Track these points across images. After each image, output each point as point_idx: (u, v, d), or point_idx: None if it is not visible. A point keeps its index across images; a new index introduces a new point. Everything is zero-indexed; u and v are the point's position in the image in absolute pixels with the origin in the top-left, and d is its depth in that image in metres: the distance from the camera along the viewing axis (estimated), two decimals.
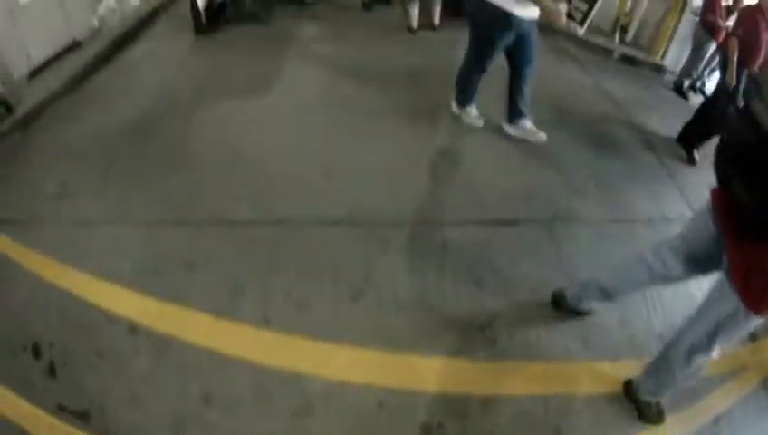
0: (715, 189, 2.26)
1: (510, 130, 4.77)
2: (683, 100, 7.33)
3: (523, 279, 3.23)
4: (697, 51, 7.41)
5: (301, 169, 4.22)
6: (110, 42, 7.69)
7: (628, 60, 7.89)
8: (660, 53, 8.16)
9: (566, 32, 7.43)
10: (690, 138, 5.43)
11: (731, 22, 6.96)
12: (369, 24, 7.54)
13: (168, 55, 6.83)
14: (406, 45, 6.71)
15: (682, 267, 2.46)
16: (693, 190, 4.65)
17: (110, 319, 2.92)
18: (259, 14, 7.32)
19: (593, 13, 7.58)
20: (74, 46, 8.13)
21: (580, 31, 7.37)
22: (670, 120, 5.93)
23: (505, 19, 3.98)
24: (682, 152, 5.37)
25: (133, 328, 2.87)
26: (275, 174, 4.15)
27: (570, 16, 7.56)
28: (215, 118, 5.04)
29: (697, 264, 2.40)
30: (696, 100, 7.11)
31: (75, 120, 5.58)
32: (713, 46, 7.23)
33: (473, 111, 4.90)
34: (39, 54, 7.41)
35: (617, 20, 8.12)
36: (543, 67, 5.79)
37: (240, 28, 7.22)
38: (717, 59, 7.40)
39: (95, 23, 8.94)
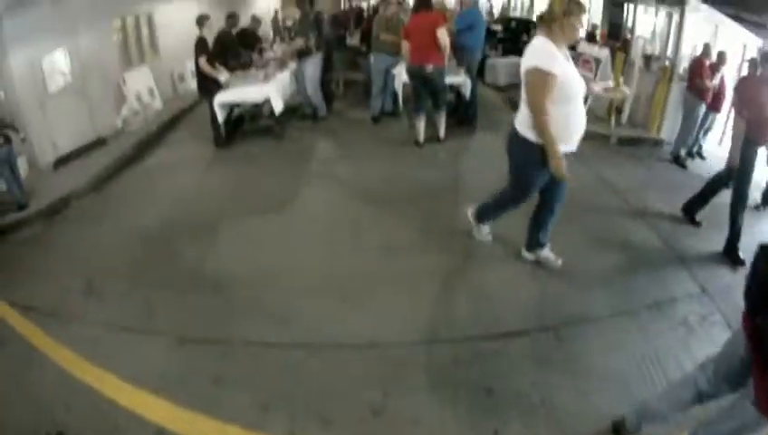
0: (745, 314, 2.30)
1: (527, 255, 4.63)
2: (682, 169, 7.42)
3: (532, 388, 3.24)
4: (689, 117, 7.56)
5: (319, 291, 4.30)
6: (134, 144, 8.24)
7: (625, 142, 8.13)
8: (656, 127, 8.34)
9: None
10: (692, 208, 5.51)
11: (717, 80, 7.31)
12: (379, 138, 7.66)
13: (188, 164, 7.15)
14: (414, 159, 6.77)
15: (726, 386, 2.53)
16: (699, 264, 4.72)
17: (139, 423, 2.99)
18: (274, 129, 7.59)
19: (589, 102, 7.99)
20: (99, 142, 8.66)
21: None
22: (670, 194, 5.99)
23: (542, 156, 3.73)
24: (686, 224, 5.44)
25: (161, 434, 2.93)
26: (295, 295, 4.25)
27: None
28: (234, 235, 5.23)
29: (734, 382, 2.46)
30: (695, 165, 7.28)
31: (99, 218, 5.88)
32: (703, 109, 7.45)
33: (485, 228, 4.87)
34: (65, 145, 7.85)
35: (611, 104, 8.42)
36: None
37: (257, 142, 7.56)
38: (709, 120, 7.75)
39: (119, 123, 9.59)
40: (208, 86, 7.20)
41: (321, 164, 6.80)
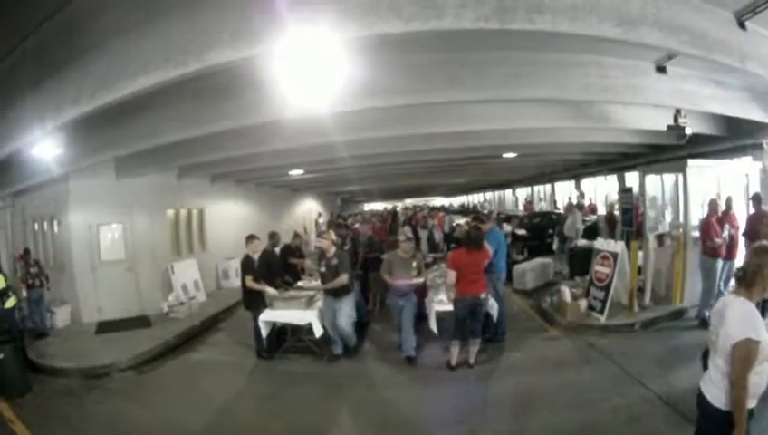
0: None
1: None
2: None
3: None
4: (708, 277, 7.52)
5: None
6: (178, 334, 8.61)
7: (649, 323, 8.28)
8: (679, 297, 8.46)
9: (589, 325, 7.91)
10: None
11: (726, 232, 7.39)
12: (414, 357, 7.20)
13: (230, 370, 7.27)
14: (447, 384, 6.46)
15: None
16: None
17: None
18: (313, 347, 7.56)
19: (611, 296, 8.33)
20: (143, 321, 9.19)
21: (602, 319, 7.97)
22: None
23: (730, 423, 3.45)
24: None
25: None
26: None
27: (590, 308, 8.24)
28: None
29: None
30: None
31: (137, 400, 6.12)
32: (720, 264, 7.46)
33: None
34: (109, 312, 8.39)
35: (632, 291, 8.64)
36: (572, 379, 6.03)
37: (298, 360, 7.50)
38: (727, 269, 7.63)
39: (164, 308, 10.24)
40: (255, 301, 7.56)
41: (359, 393, 6.41)
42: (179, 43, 3.78)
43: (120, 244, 10.08)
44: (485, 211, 14.34)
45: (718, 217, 7.61)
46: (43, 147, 6.01)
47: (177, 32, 3.80)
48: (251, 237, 7.57)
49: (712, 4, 4.40)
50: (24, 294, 9.06)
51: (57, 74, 4.74)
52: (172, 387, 6.74)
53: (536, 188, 29.17)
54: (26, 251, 10.08)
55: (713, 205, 7.68)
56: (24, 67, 4.86)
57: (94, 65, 4.41)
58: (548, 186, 26.73)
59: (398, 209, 32.41)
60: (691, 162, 8.40)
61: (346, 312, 7.26)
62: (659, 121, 7.69)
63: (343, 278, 7.06)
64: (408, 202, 50.45)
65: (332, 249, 7.36)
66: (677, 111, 7.10)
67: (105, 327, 6.68)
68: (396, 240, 9.11)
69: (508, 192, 35.22)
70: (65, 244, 9.49)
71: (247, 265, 7.41)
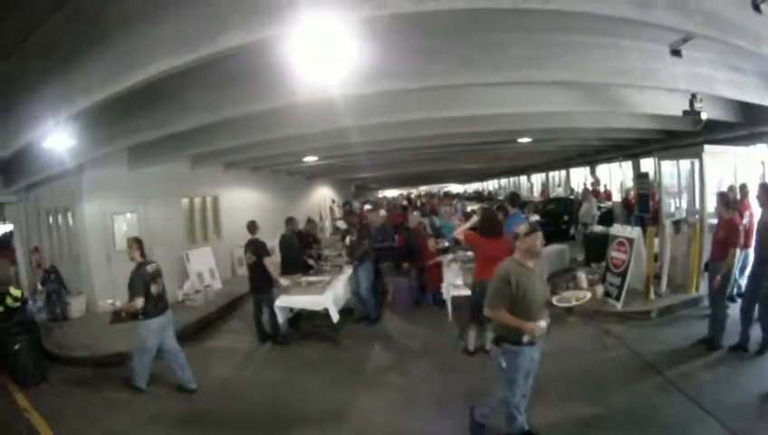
0: None
1: None
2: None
3: None
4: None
5: None
6: (194, 322, 8.77)
7: (665, 310, 8.18)
8: (695, 285, 8.34)
9: (605, 311, 7.87)
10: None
11: (746, 219, 7.29)
12: (430, 343, 7.40)
13: (245, 357, 7.34)
14: (463, 370, 6.39)
15: None
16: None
17: None
18: (328, 333, 7.63)
19: (627, 283, 8.22)
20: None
21: (618, 306, 7.92)
22: (715, 358, 5.98)
23: None
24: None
25: None
26: None
27: (607, 294, 8.15)
28: None
29: None
30: (735, 307, 6.76)
31: (151, 389, 6.11)
32: (737, 253, 6.93)
33: None
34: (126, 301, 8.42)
35: (648, 278, 8.54)
36: (589, 366, 6.03)
37: (313, 345, 7.58)
38: (743, 258, 7.42)
39: (179, 296, 10.33)
40: (262, 285, 7.68)
41: (374, 375, 6.51)
42: (191, 27, 3.76)
43: (134, 233, 10.10)
44: (499, 197, 14.19)
45: (736, 206, 7.28)
46: (56, 139, 5.99)
47: (189, 16, 3.77)
48: (252, 224, 7.85)
49: None
50: (40, 287, 9.53)
51: (67, 65, 4.75)
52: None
53: (551, 174, 28.89)
54: (36, 249, 10.61)
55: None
56: (35, 59, 4.89)
57: (105, 54, 4.41)
58: (563, 172, 26.45)
59: (412, 196, 32.44)
60: (708, 148, 8.25)
61: (363, 278, 8.04)
62: (675, 107, 7.55)
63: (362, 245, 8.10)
64: (423, 189, 50.28)
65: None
66: (693, 96, 6.94)
67: (119, 317, 6.77)
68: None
69: (523, 178, 34.88)
70: (80, 235, 9.57)
71: (264, 247, 7.59)
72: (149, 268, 5.95)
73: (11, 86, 5.52)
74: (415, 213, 10.53)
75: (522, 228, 4.26)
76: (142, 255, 6.05)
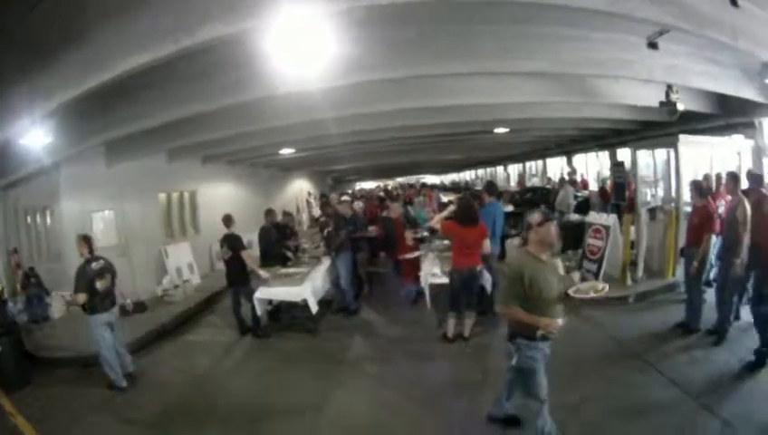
0: None
1: None
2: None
3: None
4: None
5: None
6: (174, 317, 8.75)
7: (642, 296, 8.35)
8: (671, 271, 8.51)
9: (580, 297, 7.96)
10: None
11: (721, 208, 7.31)
12: (409, 332, 7.48)
13: (226, 350, 7.36)
14: (443, 357, 6.54)
15: None
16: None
17: None
18: (308, 324, 7.70)
19: (603, 269, 8.38)
20: (139, 306, 9.10)
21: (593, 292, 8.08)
22: (692, 341, 6.21)
23: None
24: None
25: None
26: None
27: (583, 280, 8.30)
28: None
29: None
30: (709, 294, 6.93)
31: (136, 385, 6.15)
32: (713, 239, 7.01)
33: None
34: None
35: (624, 264, 8.70)
36: (568, 351, 5.61)
37: (292, 337, 7.64)
38: (718, 245, 7.32)
39: (159, 292, 10.25)
40: (239, 278, 7.70)
41: (353, 366, 6.57)
42: (170, 20, 3.75)
43: (111, 230, 10.03)
44: (476, 188, 14.32)
45: (712, 194, 7.56)
46: (33, 136, 5.94)
47: (169, 8, 3.77)
48: (228, 218, 7.82)
49: None
50: (20, 289, 9.34)
51: (46, 60, 4.69)
52: (169, 370, 6.78)
53: (528, 164, 29.16)
54: (15, 250, 10.37)
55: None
56: (12, 55, 4.79)
57: (83, 48, 4.37)
58: (540, 162, 26.72)
59: (389, 187, 32.43)
60: (683, 137, 8.40)
61: (342, 267, 8.12)
62: (651, 98, 7.67)
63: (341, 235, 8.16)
64: (400, 180, 50.34)
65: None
66: (669, 87, 7.03)
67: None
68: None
69: (500, 169, 35.16)
70: (59, 233, 9.39)
71: (240, 241, 7.61)
72: (95, 265, 6.07)
73: None
74: (395, 204, 10.56)
75: (535, 218, 3.95)
76: (90, 251, 6.17)
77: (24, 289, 9.21)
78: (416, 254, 8.22)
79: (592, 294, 4.22)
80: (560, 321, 3.84)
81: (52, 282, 9.40)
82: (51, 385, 6.40)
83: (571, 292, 4.15)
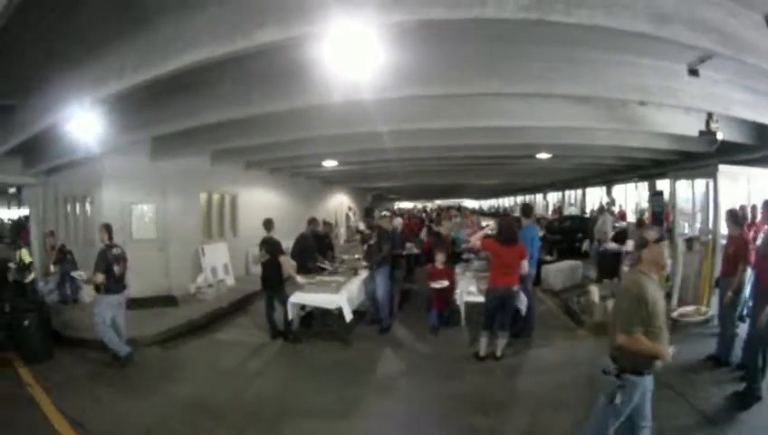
0: None
1: None
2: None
3: None
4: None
5: None
6: (205, 314, 8.92)
7: (675, 327, 8.09)
8: (706, 303, 8.26)
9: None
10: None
11: (759, 241, 6.89)
12: (440, 349, 7.42)
13: (255, 352, 7.40)
14: (475, 376, 6.43)
15: None
16: None
17: None
18: (340, 333, 7.69)
19: None
20: (171, 300, 9.60)
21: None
22: (721, 375, 6.02)
23: None
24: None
25: None
26: None
27: None
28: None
29: None
30: (743, 329, 6.57)
31: (157, 374, 6.39)
32: (749, 272, 6.66)
33: None
34: (137, 290, 8.41)
35: None
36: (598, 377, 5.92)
37: (323, 346, 7.62)
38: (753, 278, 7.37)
39: (192, 289, 10.54)
40: (275, 282, 7.84)
41: (384, 380, 6.52)
42: (228, 20, 3.93)
43: (151, 224, 10.39)
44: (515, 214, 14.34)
45: (748, 224, 7.42)
46: (81, 123, 6.17)
47: (227, 9, 3.95)
48: (269, 221, 8.02)
49: (741, 5, 4.33)
50: (53, 269, 9.85)
51: (101, 47, 4.90)
52: (195, 363, 6.95)
53: (567, 193, 28.85)
54: (51, 232, 10.94)
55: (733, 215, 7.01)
56: (69, 39, 4.89)
57: (139, 40, 4.59)
58: (579, 191, 26.42)
59: (428, 209, 32.67)
60: (722, 167, 8.16)
61: (380, 282, 8.11)
62: (690, 126, 7.59)
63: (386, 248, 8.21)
64: (438, 202, 50.35)
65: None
66: (709, 116, 6.96)
67: (132, 304, 7.03)
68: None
69: (539, 197, 34.86)
70: (97, 222, 9.74)
71: (279, 245, 7.76)
72: (115, 251, 6.82)
73: (41, 67, 5.61)
74: (445, 221, 10.84)
75: (651, 234, 3.57)
76: (110, 238, 6.92)
77: (58, 264, 9.67)
78: (444, 284, 8.16)
79: (698, 318, 3.97)
80: (673, 349, 3.51)
81: (82, 266, 9.71)
82: (72, 362, 6.70)
83: (675, 315, 3.86)
